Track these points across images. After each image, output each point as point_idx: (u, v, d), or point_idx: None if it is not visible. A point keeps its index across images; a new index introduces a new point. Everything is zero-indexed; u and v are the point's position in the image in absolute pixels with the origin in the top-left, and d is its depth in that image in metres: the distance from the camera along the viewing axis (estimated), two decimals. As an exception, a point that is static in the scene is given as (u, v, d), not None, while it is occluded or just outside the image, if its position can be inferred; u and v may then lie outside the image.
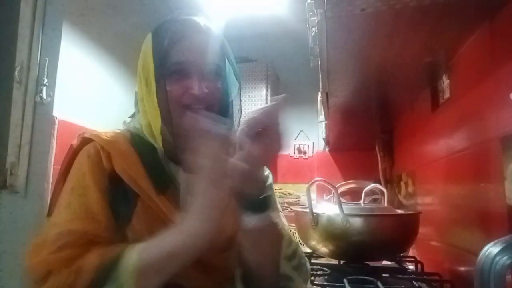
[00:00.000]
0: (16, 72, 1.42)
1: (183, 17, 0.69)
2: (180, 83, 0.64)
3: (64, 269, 0.52)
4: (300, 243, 1.16)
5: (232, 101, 0.72)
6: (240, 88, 0.73)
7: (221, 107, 0.70)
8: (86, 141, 0.65)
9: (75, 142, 0.67)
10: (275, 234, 0.61)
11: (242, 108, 0.75)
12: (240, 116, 0.74)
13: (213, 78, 0.67)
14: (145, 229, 0.60)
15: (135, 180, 0.61)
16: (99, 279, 0.51)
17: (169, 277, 0.53)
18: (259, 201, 0.56)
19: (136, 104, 0.71)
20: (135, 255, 0.52)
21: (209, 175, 0.52)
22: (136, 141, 0.66)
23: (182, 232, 0.52)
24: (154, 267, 0.52)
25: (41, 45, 1.45)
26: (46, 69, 1.42)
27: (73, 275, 0.52)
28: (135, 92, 0.71)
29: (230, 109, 0.72)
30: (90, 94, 1.66)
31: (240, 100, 0.74)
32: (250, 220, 0.56)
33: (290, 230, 0.77)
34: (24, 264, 0.56)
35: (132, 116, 0.74)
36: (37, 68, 1.43)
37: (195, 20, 0.68)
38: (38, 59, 1.44)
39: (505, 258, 0.47)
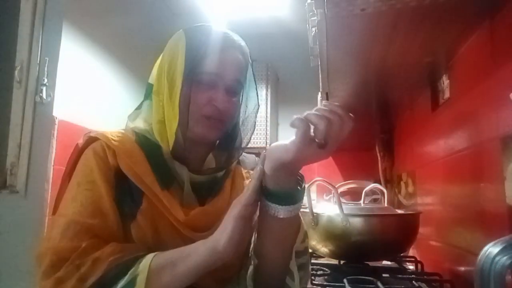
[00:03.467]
0: (16, 72, 1.42)
1: (219, 28, 0.70)
2: (205, 93, 0.66)
3: (77, 259, 0.53)
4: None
5: (246, 117, 0.74)
6: (258, 109, 0.75)
7: (234, 123, 0.73)
8: (92, 140, 0.66)
9: (80, 141, 0.68)
10: (297, 226, 0.63)
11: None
12: (253, 132, 0.75)
13: (234, 94, 0.69)
14: (149, 226, 0.61)
15: (140, 177, 0.62)
16: (113, 274, 0.52)
17: (181, 283, 0.54)
18: (296, 193, 0.57)
19: (146, 97, 0.71)
20: (151, 255, 0.54)
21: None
22: (142, 141, 0.68)
23: (204, 243, 0.55)
24: (167, 267, 0.53)
25: (41, 45, 1.44)
26: (46, 69, 1.42)
27: (88, 265, 0.53)
28: (148, 83, 0.71)
29: (245, 124, 0.74)
30: (90, 94, 1.67)
31: (256, 118, 0.76)
32: (283, 210, 0.56)
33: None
34: (33, 255, 0.57)
35: (138, 108, 0.74)
36: (37, 68, 1.43)
37: (229, 34, 0.70)
38: (38, 59, 1.43)
39: (505, 258, 0.47)
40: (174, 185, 0.66)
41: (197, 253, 0.54)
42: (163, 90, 0.66)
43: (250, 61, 0.73)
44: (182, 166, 0.67)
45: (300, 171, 0.58)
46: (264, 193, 0.56)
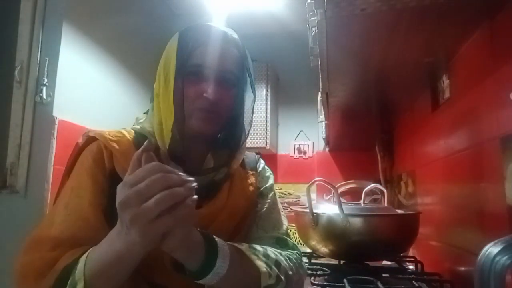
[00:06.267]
0: (16, 72, 1.42)
1: (211, 24, 0.71)
2: (196, 86, 0.66)
3: (48, 271, 0.53)
4: (300, 243, 1.16)
5: (244, 112, 0.73)
6: (254, 101, 0.74)
7: (232, 116, 0.71)
8: (90, 139, 0.66)
9: (80, 140, 0.68)
10: (243, 274, 0.59)
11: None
12: (250, 128, 0.75)
13: (229, 86, 0.68)
14: None
15: None
16: (61, 281, 0.51)
17: (118, 280, 0.51)
18: (201, 269, 0.53)
19: (152, 100, 0.72)
20: (83, 259, 0.51)
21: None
22: (139, 141, 0.67)
23: (120, 240, 0.50)
24: (99, 270, 0.50)
25: (41, 45, 1.45)
26: (46, 69, 1.42)
27: (49, 276, 0.52)
28: (153, 88, 0.72)
29: (241, 119, 0.73)
30: (90, 94, 1.66)
31: (253, 113, 0.75)
32: (204, 281, 0.54)
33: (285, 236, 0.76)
34: (14, 263, 0.58)
35: (147, 112, 0.74)
36: (37, 68, 1.43)
37: (222, 29, 0.70)
38: (38, 59, 1.44)
39: (505, 258, 0.47)
40: None
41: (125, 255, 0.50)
42: (160, 91, 0.67)
43: (248, 57, 0.73)
44: (177, 166, 0.66)
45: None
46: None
